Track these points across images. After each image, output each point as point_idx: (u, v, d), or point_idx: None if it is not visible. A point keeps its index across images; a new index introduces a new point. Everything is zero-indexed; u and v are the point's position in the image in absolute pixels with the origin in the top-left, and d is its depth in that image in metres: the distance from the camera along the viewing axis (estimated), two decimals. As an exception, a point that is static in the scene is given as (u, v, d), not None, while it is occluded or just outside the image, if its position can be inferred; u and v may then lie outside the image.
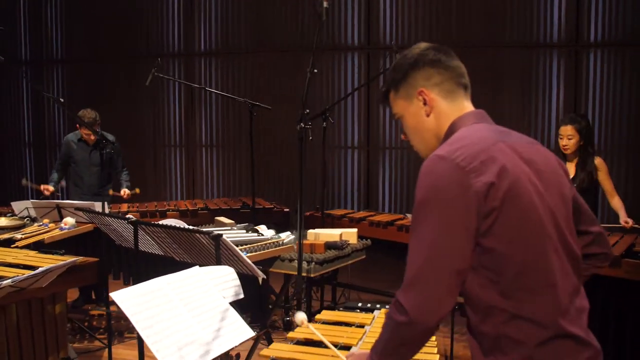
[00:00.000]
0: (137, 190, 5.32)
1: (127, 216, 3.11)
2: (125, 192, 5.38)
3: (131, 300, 1.97)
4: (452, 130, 1.61)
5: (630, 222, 4.16)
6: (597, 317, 3.37)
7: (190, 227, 2.96)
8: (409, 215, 4.63)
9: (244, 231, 3.63)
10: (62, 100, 3.86)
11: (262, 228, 3.73)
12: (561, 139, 4.27)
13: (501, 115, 6.94)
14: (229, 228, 3.79)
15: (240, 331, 2.15)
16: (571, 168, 4.33)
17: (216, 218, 4.32)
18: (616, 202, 4.30)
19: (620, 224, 4.19)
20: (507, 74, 6.91)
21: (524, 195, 1.46)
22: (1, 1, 8.69)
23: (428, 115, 1.64)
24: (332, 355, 2.00)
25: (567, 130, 4.24)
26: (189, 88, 7.93)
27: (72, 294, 5.06)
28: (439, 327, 1.56)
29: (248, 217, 4.68)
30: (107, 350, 3.64)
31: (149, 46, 8.14)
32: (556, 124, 6.72)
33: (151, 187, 8.10)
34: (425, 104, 1.64)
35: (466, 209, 1.42)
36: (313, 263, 3.24)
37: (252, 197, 4.76)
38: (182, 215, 4.96)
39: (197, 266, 2.34)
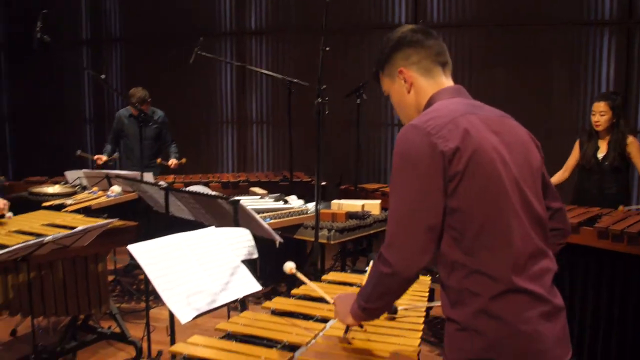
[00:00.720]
0: (184, 160, 5.64)
1: (160, 183, 3.38)
2: (173, 161, 5.71)
3: (147, 252, 2.23)
4: (429, 103, 1.78)
5: None
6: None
7: (218, 194, 3.21)
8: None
9: (273, 200, 3.86)
10: (103, 76, 4.14)
11: (291, 198, 3.95)
12: (593, 115, 4.31)
13: (549, 92, 6.93)
14: (259, 197, 4.03)
15: (247, 285, 2.38)
16: (603, 146, 4.37)
17: (250, 188, 4.59)
18: None
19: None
20: (556, 51, 6.85)
21: (487, 161, 1.61)
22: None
23: (409, 92, 1.82)
24: (329, 309, 2.20)
25: (600, 106, 4.27)
26: (241, 66, 8.21)
27: (125, 260, 5.45)
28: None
29: (286, 189, 4.92)
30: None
31: (203, 24, 8.45)
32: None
33: (204, 162, 8.46)
34: (405, 81, 1.81)
35: (435, 170, 1.58)
36: (333, 231, 3.44)
37: (290, 171, 4.99)
38: (224, 186, 5.24)
39: (214, 227, 2.59)
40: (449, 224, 1.62)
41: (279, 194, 4.18)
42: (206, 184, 5.26)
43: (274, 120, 8.26)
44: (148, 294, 3.63)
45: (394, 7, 7.56)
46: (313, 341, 2.00)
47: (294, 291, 2.43)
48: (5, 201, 3.56)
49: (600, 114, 4.27)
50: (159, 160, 5.59)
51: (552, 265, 1.72)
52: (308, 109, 4.22)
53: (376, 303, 1.74)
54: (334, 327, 2.08)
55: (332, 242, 3.43)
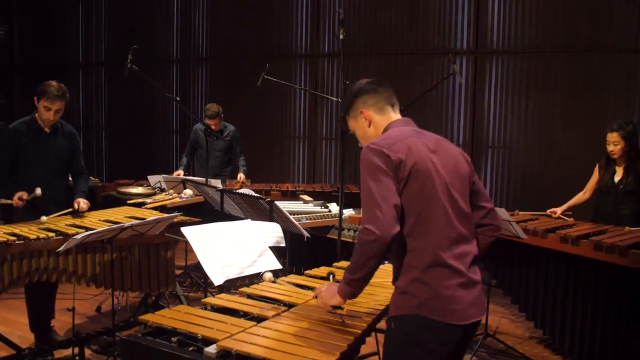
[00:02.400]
0: (249, 179, 6.53)
1: (217, 186, 4.26)
2: (240, 176, 6.62)
3: (195, 234, 3.10)
4: (385, 132, 2.53)
5: None
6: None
7: (257, 195, 4.05)
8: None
9: (313, 205, 4.66)
10: (178, 98, 5.13)
11: (332, 205, 4.74)
12: (608, 144, 4.85)
13: (604, 118, 7.35)
14: (302, 202, 4.86)
15: (270, 264, 3.20)
16: (620, 172, 4.89)
17: (300, 195, 5.42)
18: None
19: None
20: (611, 78, 7.27)
21: (424, 170, 2.34)
22: (159, 6, 10.44)
23: (369, 127, 2.57)
24: (269, 309, 2.64)
25: (614, 137, 4.81)
26: (313, 85, 9.11)
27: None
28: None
29: (336, 199, 5.68)
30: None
31: (280, 46, 9.44)
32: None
33: (277, 174, 9.37)
34: (365, 119, 2.57)
35: (390, 171, 2.29)
36: (357, 232, 4.20)
37: (341, 184, 5.77)
38: (283, 194, 6.10)
39: (250, 219, 3.43)
40: None
41: (322, 201, 4.99)
42: (268, 192, 6.15)
43: (342, 137, 9.08)
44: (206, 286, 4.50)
45: (457, 34, 8.23)
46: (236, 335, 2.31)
47: (243, 290, 2.96)
48: (87, 202, 4.53)
49: (614, 143, 4.81)
50: (227, 182, 6.49)
51: (472, 249, 2.42)
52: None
53: (361, 271, 2.28)
54: (263, 326, 2.44)
55: (353, 241, 4.17)
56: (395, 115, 2.59)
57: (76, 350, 4.27)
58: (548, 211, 5.10)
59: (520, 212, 5.19)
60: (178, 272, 5.51)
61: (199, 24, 10.22)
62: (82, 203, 4.46)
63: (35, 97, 4.41)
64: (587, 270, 4.15)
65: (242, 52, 9.65)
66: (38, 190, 4.27)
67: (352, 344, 2.29)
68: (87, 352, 4.41)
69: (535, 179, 7.60)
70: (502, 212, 4.23)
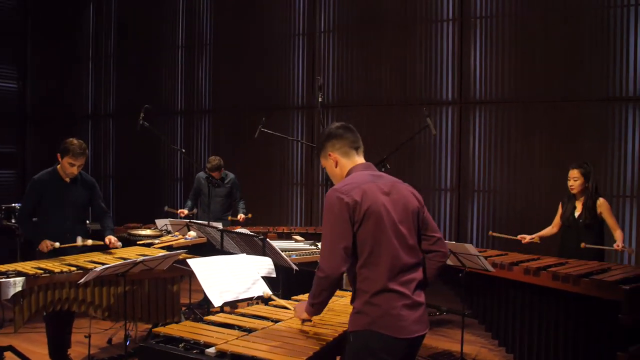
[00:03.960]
0: (249, 215, 7.17)
1: (218, 227, 4.89)
2: (241, 216, 7.25)
3: (199, 264, 3.70)
4: (349, 173, 3.11)
5: (621, 246, 5.23)
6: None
7: (252, 233, 4.67)
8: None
9: (304, 244, 5.27)
10: (183, 150, 5.81)
11: (320, 244, 5.34)
12: (569, 180, 5.48)
13: (581, 160, 7.98)
14: (294, 241, 5.47)
15: (261, 290, 3.79)
16: (579, 206, 5.50)
17: (293, 236, 6.04)
18: (618, 235, 5.37)
19: (613, 247, 5.28)
20: (585, 125, 7.94)
21: (376, 212, 2.86)
22: (165, 61, 11.26)
23: (336, 167, 3.13)
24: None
25: (574, 173, 5.45)
26: (310, 134, 9.82)
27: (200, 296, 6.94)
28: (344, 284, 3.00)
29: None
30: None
31: (278, 99, 10.19)
32: (632, 171, 7.69)
33: (276, 217, 9.99)
34: (333, 160, 3.15)
35: (346, 214, 2.84)
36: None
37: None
38: (279, 236, 6.71)
39: (245, 254, 4.04)
40: (356, 249, 2.93)
41: (312, 241, 5.60)
42: (265, 234, 6.75)
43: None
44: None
45: (442, 86, 8.95)
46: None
47: (238, 310, 3.60)
48: (116, 238, 5.23)
49: (573, 179, 5.44)
50: (230, 218, 7.13)
51: (417, 276, 2.94)
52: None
53: (318, 298, 2.91)
54: (253, 335, 3.02)
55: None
56: (359, 158, 3.12)
57: (91, 375, 4.85)
58: (518, 236, 5.74)
59: (494, 233, 5.80)
60: (183, 308, 6.07)
61: (202, 78, 11.03)
62: (113, 240, 5.14)
63: (58, 154, 5.05)
64: (549, 299, 4.70)
65: (242, 105, 10.42)
66: (79, 239, 5.10)
67: (318, 351, 2.86)
68: (101, 377, 4.96)
69: (518, 220, 8.20)
70: (470, 248, 4.81)
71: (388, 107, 9.30)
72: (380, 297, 2.81)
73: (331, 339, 3.04)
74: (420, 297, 2.93)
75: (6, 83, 12.39)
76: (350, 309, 3.39)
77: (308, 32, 10.03)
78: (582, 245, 5.02)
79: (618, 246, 5.25)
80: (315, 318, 3.34)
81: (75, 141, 5.08)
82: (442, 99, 8.96)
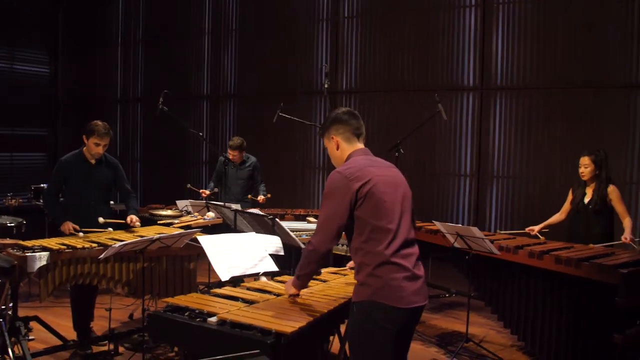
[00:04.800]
0: (269, 195, 7.43)
1: (232, 207, 5.15)
2: (261, 198, 7.50)
3: (208, 240, 3.96)
4: (349, 158, 3.34)
5: (629, 238, 5.34)
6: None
7: (263, 214, 4.91)
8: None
9: (314, 225, 5.51)
10: (201, 134, 6.08)
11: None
12: (579, 167, 5.59)
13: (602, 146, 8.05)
14: (307, 223, 5.71)
15: (267, 267, 4.04)
16: (589, 192, 5.62)
17: (307, 218, 6.27)
18: (627, 222, 5.47)
19: (621, 240, 5.40)
20: (607, 112, 8.01)
21: (378, 192, 3.12)
22: (191, 47, 11.56)
23: (337, 149, 3.37)
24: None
25: (585, 160, 5.57)
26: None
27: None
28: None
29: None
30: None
31: (301, 84, 10.42)
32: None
33: (299, 202, 10.23)
34: (335, 143, 3.39)
35: (346, 197, 3.10)
36: (344, 246, 5.03)
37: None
38: (296, 218, 6.96)
39: (254, 232, 4.29)
40: (356, 226, 3.16)
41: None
42: (282, 215, 7.01)
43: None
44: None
45: (464, 72, 9.07)
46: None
47: (243, 284, 3.92)
48: (138, 218, 5.51)
49: (584, 166, 5.56)
50: (249, 196, 7.42)
51: (416, 251, 3.20)
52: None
53: (305, 270, 3.23)
54: (253, 307, 3.29)
55: (347, 254, 4.98)
56: (359, 144, 3.36)
57: (111, 346, 5.17)
58: (527, 229, 5.88)
59: (501, 232, 5.94)
60: (201, 287, 6.37)
61: (228, 63, 11.31)
62: (134, 219, 5.43)
63: (84, 135, 5.35)
64: (552, 281, 4.87)
65: (267, 90, 10.68)
66: (101, 219, 5.38)
67: (312, 321, 3.11)
68: (120, 349, 5.28)
69: (537, 206, 8.32)
70: (476, 231, 4.99)
71: (410, 92, 9.46)
72: (381, 269, 3.05)
73: (325, 311, 3.27)
74: (420, 270, 3.18)
75: (38, 67, 12.84)
76: (348, 287, 3.64)
77: (332, 18, 10.21)
78: (590, 246, 5.14)
79: (626, 239, 5.35)
80: (313, 292, 3.59)
81: (99, 122, 5.38)
82: (464, 85, 9.08)
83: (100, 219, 5.36)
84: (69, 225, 5.26)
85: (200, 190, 7.44)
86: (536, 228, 5.82)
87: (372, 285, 3.07)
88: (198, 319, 3.12)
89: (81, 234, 5.22)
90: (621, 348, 4.29)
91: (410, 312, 3.09)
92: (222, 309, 3.20)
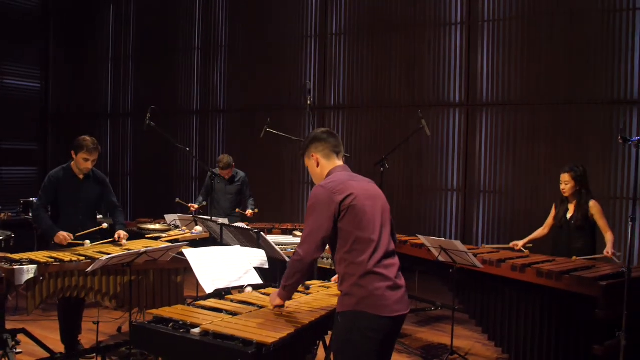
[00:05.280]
0: (256, 210, 7.49)
1: (219, 221, 5.21)
2: (249, 212, 7.56)
3: (193, 253, 4.02)
4: (329, 174, 3.43)
5: (611, 252, 5.43)
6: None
7: (249, 227, 4.98)
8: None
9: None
10: (188, 149, 6.17)
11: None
12: (561, 184, 5.68)
13: (585, 163, 8.15)
14: (293, 237, 5.77)
15: (251, 280, 4.09)
16: (571, 208, 5.71)
17: (293, 232, 6.34)
18: (608, 237, 5.55)
19: (603, 254, 5.48)
20: (590, 127, 8.13)
21: (359, 205, 3.22)
22: (181, 62, 11.66)
23: (317, 166, 3.48)
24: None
25: (565, 177, 5.66)
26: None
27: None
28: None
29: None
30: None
31: (290, 99, 10.52)
32: (635, 174, 7.82)
33: (287, 216, 10.29)
34: (315, 160, 3.49)
35: (329, 210, 3.20)
36: (328, 259, 5.10)
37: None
38: (283, 232, 7.02)
39: (239, 246, 4.35)
40: (339, 237, 3.25)
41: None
42: (270, 229, 7.06)
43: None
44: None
45: (450, 88, 9.20)
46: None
47: (228, 297, 3.92)
48: (126, 234, 5.54)
49: (565, 183, 5.65)
50: (237, 210, 7.48)
51: (397, 262, 3.30)
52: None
53: (290, 280, 3.29)
54: (236, 318, 3.32)
55: (332, 268, 5.04)
56: (338, 161, 3.48)
57: (99, 359, 5.20)
58: (511, 244, 5.96)
59: (486, 246, 6.02)
60: (189, 301, 6.42)
61: (217, 79, 11.41)
62: (122, 235, 5.46)
63: (72, 151, 5.39)
64: (534, 294, 4.94)
65: (255, 105, 10.77)
66: (87, 242, 5.38)
67: (293, 332, 3.15)
68: (108, 361, 5.32)
69: (523, 221, 8.42)
70: (459, 245, 5.07)
71: (396, 108, 9.58)
72: (365, 279, 3.15)
73: (307, 322, 3.33)
74: (401, 280, 3.28)
75: (29, 82, 12.90)
76: (331, 298, 3.70)
77: (320, 35, 10.34)
78: (574, 259, 5.23)
79: (608, 252, 5.43)
80: (298, 303, 3.66)
81: (88, 137, 5.43)
82: (450, 101, 9.20)
83: (87, 242, 5.36)
84: (63, 235, 5.26)
85: (189, 205, 7.50)
86: (520, 243, 5.91)
87: (357, 295, 3.16)
88: (181, 330, 3.16)
89: (88, 241, 5.26)
90: (601, 359, 4.37)
91: (393, 320, 3.18)
92: (205, 320, 3.25)
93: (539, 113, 8.54)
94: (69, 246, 5.26)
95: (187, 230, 6.53)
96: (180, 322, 3.25)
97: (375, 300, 3.13)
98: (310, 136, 3.55)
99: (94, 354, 5.27)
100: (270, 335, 3.01)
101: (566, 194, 5.69)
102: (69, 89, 13.18)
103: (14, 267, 4.49)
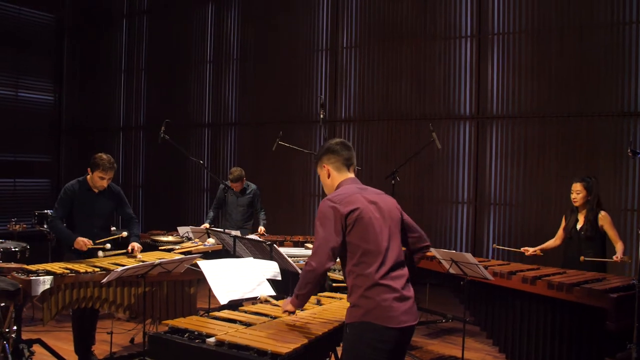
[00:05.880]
0: (264, 231, 7.53)
1: (231, 233, 5.27)
2: (261, 229, 7.62)
3: (208, 265, 4.08)
4: (339, 186, 3.48)
5: (620, 257, 5.45)
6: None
7: (261, 239, 5.03)
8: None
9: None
10: (201, 162, 6.21)
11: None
12: (572, 193, 5.72)
13: (595, 174, 8.18)
14: (305, 249, 5.83)
15: (264, 291, 4.15)
16: (581, 219, 5.74)
17: (305, 244, 6.39)
18: (619, 247, 5.56)
19: (612, 259, 5.50)
20: (601, 139, 8.17)
21: (366, 218, 3.26)
22: (193, 76, 11.79)
23: (328, 177, 3.53)
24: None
25: (577, 186, 5.69)
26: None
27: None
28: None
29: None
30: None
31: (301, 113, 10.61)
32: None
33: (296, 227, 10.33)
34: (326, 171, 3.55)
35: (337, 222, 3.24)
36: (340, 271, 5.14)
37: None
38: (295, 244, 7.08)
39: (252, 258, 4.41)
40: (348, 250, 3.30)
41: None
42: (282, 242, 7.12)
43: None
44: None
45: (460, 101, 9.26)
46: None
47: (242, 308, 4.00)
48: (140, 246, 5.62)
49: (576, 192, 5.68)
50: (249, 234, 7.51)
51: (405, 273, 3.33)
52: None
53: (303, 290, 3.33)
54: (250, 329, 3.41)
55: (341, 278, 5.10)
56: (349, 174, 3.52)
57: (113, 370, 5.27)
58: (522, 249, 6.02)
59: (498, 246, 6.06)
60: (201, 312, 6.48)
61: (229, 92, 11.53)
62: (136, 247, 5.54)
63: (89, 168, 5.48)
64: (545, 306, 4.97)
65: (267, 118, 10.87)
66: (100, 254, 5.45)
67: (307, 343, 3.21)
68: (122, 372, 5.38)
69: (533, 232, 8.43)
70: (469, 257, 5.10)
71: (407, 121, 9.64)
72: (372, 290, 3.19)
73: (321, 333, 3.38)
74: (409, 291, 3.31)
75: (43, 95, 13.06)
76: (343, 310, 3.75)
77: (331, 48, 10.43)
78: (582, 258, 5.27)
79: (617, 257, 5.46)
80: (310, 315, 3.71)
81: (104, 156, 5.51)
82: (460, 114, 9.25)
83: (100, 254, 5.44)
84: (83, 241, 5.32)
85: (202, 226, 7.54)
86: (531, 249, 5.96)
87: (364, 306, 3.20)
88: (197, 340, 3.22)
89: (101, 253, 5.33)
90: (612, 371, 4.40)
91: (401, 332, 3.21)
92: (220, 331, 3.31)
93: (548, 125, 8.58)
94: (88, 252, 5.34)
95: (199, 243, 6.60)
96: (196, 333, 3.31)
97: (382, 311, 3.17)
98: (324, 147, 3.59)
99: (108, 366, 5.34)
100: (285, 346, 3.07)
101: (577, 204, 5.72)
102: (82, 102, 13.33)
103: (31, 277, 4.57)
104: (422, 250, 3.59)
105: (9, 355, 4.46)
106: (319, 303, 4.17)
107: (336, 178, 3.51)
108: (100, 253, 5.42)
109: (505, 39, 8.91)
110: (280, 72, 10.91)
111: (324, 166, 3.53)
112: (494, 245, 6.20)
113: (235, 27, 11.55)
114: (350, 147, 3.59)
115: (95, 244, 5.38)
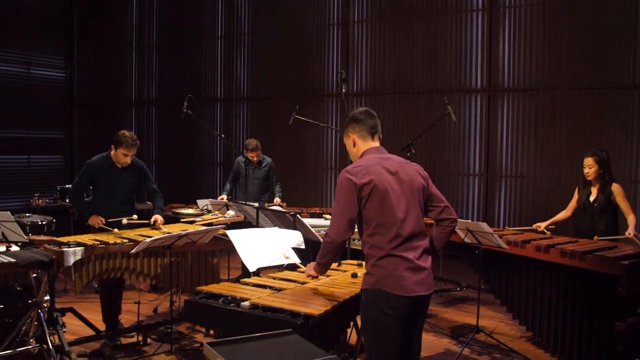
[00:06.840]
0: (284, 204, 7.71)
1: (254, 205, 5.47)
2: (277, 200, 7.80)
3: (236, 234, 4.27)
4: (363, 155, 3.62)
5: (633, 233, 5.61)
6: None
7: (284, 210, 5.22)
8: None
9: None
10: (223, 135, 6.39)
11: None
12: (584, 167, 5.87)
13: (606, 147, 8.32)
14: (324, 219, 6.01)
15: (289, 254, 4.34)
16: (594, 192, 5.89)
17: (323, 215, 6.58)
18: (631, 219, 5.73)
19: (625, 236, 5.67)
20: (611, 112, 8.30)
21: (381, 190, 3.36)
22: (205, 51, 11.91)
23: (354, 146, 3.66)
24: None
25: (589, 161, 5.84)
26: (342, 123, 10.34)
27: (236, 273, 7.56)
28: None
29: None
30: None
31: (313, 87, 10.74)
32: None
33: (312, 201, 10.56)
34: (352, 141, 3.70)
35: (353, 193, 3.37)
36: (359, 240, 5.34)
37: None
38: (312, 216, 7.26)
39: (277, 227, 4.60)
40: (363, 221, 3.42)
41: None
42: (299, 214, 7.30)
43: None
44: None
45: (471, 74, 9.37)
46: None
47: (270, 275, 4.23)
48: (162, 218, 5.82)
49: (589, 167, 5.83)
50: (266, 205, 7.70)
51: (423, 244, 3.44)
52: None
53: (324, 259, 3.52)
54: (281, 294, 3.62)
55: (361, 248, 5.28)
56: (373, 143, 3.63)
57: (140, 338, 5.50)
58: (534, 225, 6.17)
59: (509, 228, 6.23)
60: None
61: (241, 67, 11.66)
62: (159, 219, 5.75)
63: (112, 145, 5.65)
64: (558, 274, 5.15)
65: (278, 92, 11.01)
66: (124, 220, 5.66)
67: (334, 305, 3.43)
68: (148, 340, 5.60)
69: (544, 204, 8.61)
70: (485, 226, 5.28)
71: (419, 94, 9.77)
72: (384, 260, 3.32)
73: (347, 297, 3.60)
74: (425, 262, 3.41)
75: (55, 72, 13.19)
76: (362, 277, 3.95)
77: (342, 22, 10.54)
78: (595, 238, 5.43)
79: (630, 234, 5.61)
80: (335, 282, 3.91)
81: (127, 133, 5.68)
82: (472, 87, 9.38)
83: (124, 220, 5.65)
84: (98, 219, 5.57)
85: (219, 198, 7.71)
86: (542, 225, 6.11)
87: (377, 274, 3.34)
88: (232, 304, 3.42)
89: (116, 229, 5.52)
90: (624, 335, 4.58)
91: (411, 300, 3.31)
92: (253, 295, 3.51)
93: (560, 98, 8.70)
94: (100, 230, 5.56)
95: (219, 215, 6.80)
96: (230, 297, 3.51)
97: (393, 280, 3.29)
98: (349, 116, 3.69)
99: (134, 333, 5.57)
100: (316, 308, 3.27)
101: (590, 178, 5.86)
102: (94, 78, 13.46)
103: (63, 249, 4.78)
104: (442, 221, 3.60)
105: (44, 323, 4.67)
106: (342, 270, 4.36)
107: (361, 147, 3.59)
108: (124, 220, 5.62)
109: (516, 12, 8.99)
110: (292, 47, 11.03)
111: (350, 135, 3.62)
112: (507, 228, 6.35)
113: (246, 2, 11.64)
114: (375, 116, 3.67)
115: (107, 223, 5.58)
